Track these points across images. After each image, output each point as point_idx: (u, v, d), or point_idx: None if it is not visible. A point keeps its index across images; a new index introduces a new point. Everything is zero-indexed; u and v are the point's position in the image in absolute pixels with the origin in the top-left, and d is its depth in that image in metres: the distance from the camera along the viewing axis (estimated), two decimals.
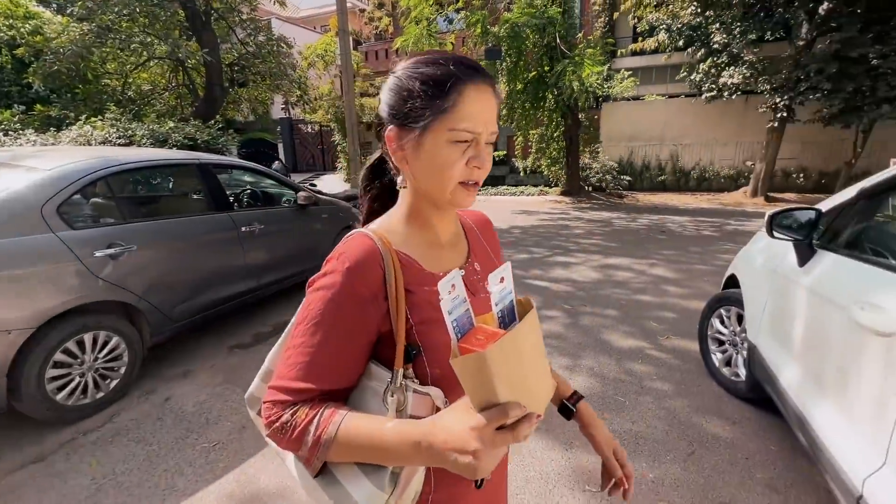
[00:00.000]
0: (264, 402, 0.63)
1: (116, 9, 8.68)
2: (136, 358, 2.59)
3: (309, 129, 18.93)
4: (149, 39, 9.27)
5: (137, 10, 8.96)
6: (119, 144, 6.41)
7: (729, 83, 10.03)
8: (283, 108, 16.93)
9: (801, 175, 11.10)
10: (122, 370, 2.53)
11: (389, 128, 0.66)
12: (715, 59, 10.36)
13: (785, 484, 1.85)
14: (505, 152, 15.24)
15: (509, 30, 9.28)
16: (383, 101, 0.67)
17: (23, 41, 9.89)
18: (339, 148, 15.77)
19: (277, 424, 0.61)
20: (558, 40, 9.44)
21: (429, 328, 0.65)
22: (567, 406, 0.83)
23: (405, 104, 0.63)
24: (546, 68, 9.89)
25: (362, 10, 20.98)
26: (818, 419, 1.49)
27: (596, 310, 3.81)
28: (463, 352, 0.52)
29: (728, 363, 2.55)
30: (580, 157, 11.60)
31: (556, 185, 12.19)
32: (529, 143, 11.94)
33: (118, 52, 9.78)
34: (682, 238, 6.67)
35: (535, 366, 0.58)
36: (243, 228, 3.29)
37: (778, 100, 9.13)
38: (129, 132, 6.69)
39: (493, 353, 0.50)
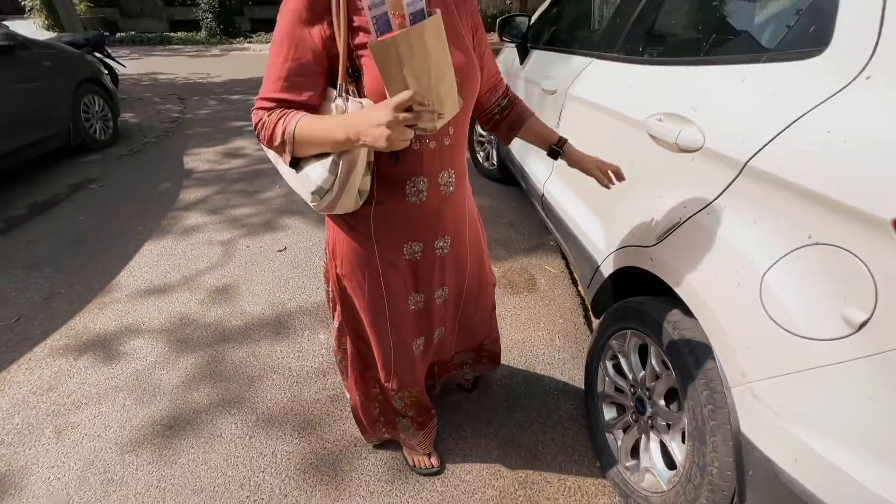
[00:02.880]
0: (252, 111, 0.81)
1: None
2: None
3: None
4: None
5: None
6: None
7: None
8: None
9: None
10: None
11: None
12: None
13: (518, 221, 2.81)
14: None
15: None
16: None
17: None
18: None
19: (258, 124, 0.79)
20: None
21: (368, 55, 0.75)
22: (554, 150, 1.08)
23: None
24: None
25: None
26: (528, 163, 2.30)
27: None
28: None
29: (487, 158, 3.39)
30: None
31: None
32: None
33: None
34: None
35: (441, 73, 0.68)
36: None
37: None
38: None
39: (401, 40, 0.61)
